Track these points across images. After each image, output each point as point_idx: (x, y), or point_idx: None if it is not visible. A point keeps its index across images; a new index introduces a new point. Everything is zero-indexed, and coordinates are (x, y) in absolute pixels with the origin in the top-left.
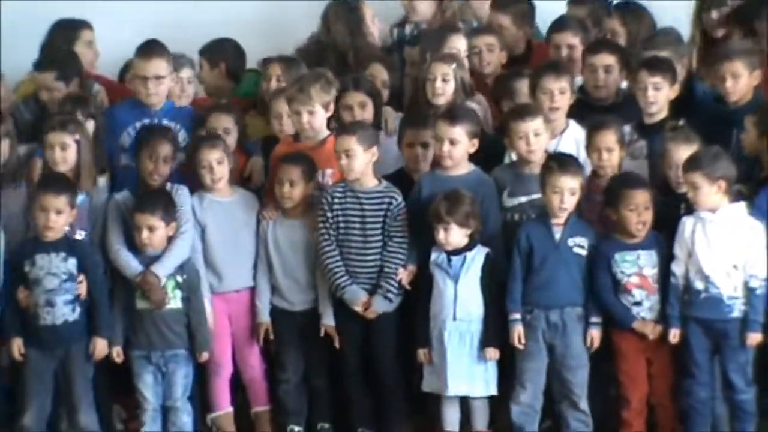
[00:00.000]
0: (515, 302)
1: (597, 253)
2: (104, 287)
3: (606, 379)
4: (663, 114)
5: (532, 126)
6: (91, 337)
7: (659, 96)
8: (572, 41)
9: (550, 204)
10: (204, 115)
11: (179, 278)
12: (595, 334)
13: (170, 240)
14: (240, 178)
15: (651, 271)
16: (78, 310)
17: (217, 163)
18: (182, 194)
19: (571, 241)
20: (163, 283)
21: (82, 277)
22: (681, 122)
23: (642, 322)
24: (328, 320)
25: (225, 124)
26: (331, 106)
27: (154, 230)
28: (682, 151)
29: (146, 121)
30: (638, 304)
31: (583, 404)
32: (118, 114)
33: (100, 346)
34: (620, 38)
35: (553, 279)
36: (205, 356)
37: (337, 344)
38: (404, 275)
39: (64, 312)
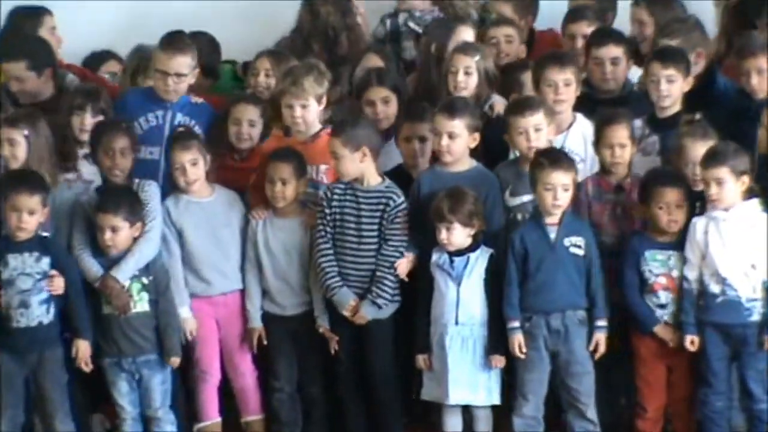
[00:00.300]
0: (513, 309)
1: (626, 250)
2: (80, 287)
3: (617, 387)
4: (676, 108)
5: (533, 121)
6: (71, 339)
7: (673, 89)
8: (588, 31)
9: (542, 202)
10: (227, 106)
11: (145, 280)
12: (601, 338)
13: (135, 240)
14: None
15: (680, 273)
16: (52, 311)
17: (191, 165)
18: (150, 190)
19: (567, 241)
20: (126, 286)
21: (54, 272)
22: (698, 116)
23: (664, 327)
24: (325, 322)
25: (250, 115)
26: (324, 99)
27: (118, 231)
28: (699, 147)
29: (159, 113)
30: (663, 306)
31: (591, 413)
32: (129, 103)
33: (83, 348)
34: (647, 28)
35: (551, 282)
36: (175, 361)
37: (332, 349)
38: (403, 265)
39: (38, 314)
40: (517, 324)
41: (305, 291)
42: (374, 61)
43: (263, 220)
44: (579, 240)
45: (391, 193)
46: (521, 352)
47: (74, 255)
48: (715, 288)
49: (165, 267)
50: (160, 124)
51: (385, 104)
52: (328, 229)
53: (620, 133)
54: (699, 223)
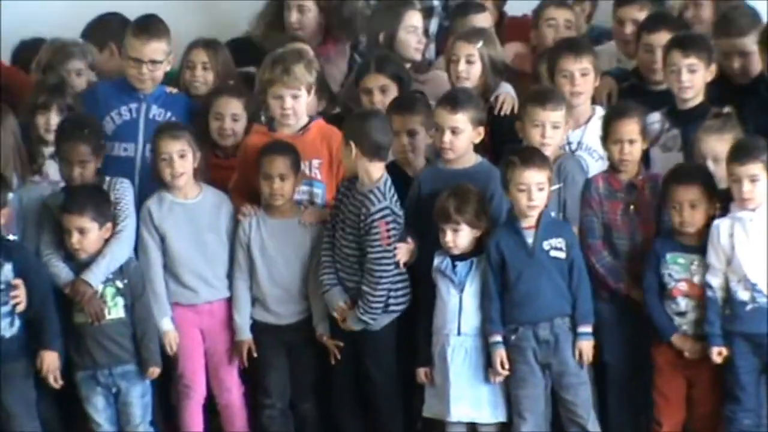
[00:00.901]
0: (494, 323)
1: (648, 251)
2: (48, 293)
3: (636, 405)
4: (699, 99)
5: (553, 116)
6: (34, 353)
7: (695, 79)
8: (638, 16)
9: (517, 204)
10: (209, 99)
11: (119, 284)
12: (584, 346)
13: (107, 242)
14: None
15: (702, 280)
16: (17, 323)
17: (179, 156)
18: (122, 188)
19: (546, 245)
20: (99, 291)
21: (18, 281)
22: (726, 109)
23: (682, 337)
24: (325, 330)
25: (234, 109)
26: (313, 89)
27: (85, 233)
28: (713, 142)
29: (133, 106)
30: (682, 314)
31: (592, 425)
32: (101, 96)
33: (49, 360)
34: (706, 9)
35: (535, 291)
36: (154, 372)
37: (332, 359)
38: (402, 253)
39: (2, 326)
40: (498, 338)
41: (304, 298)
42: None
43: (255, 219)
44: (559, 242)
45: (370, 198)
46: (503, 368)
47: (42, 259)
48: (743, 295)
49: (140, 269)
50: (135, 118)
51: (382, 93)
52: (330, 225)
53: (629, 128)
54: (723, 224)
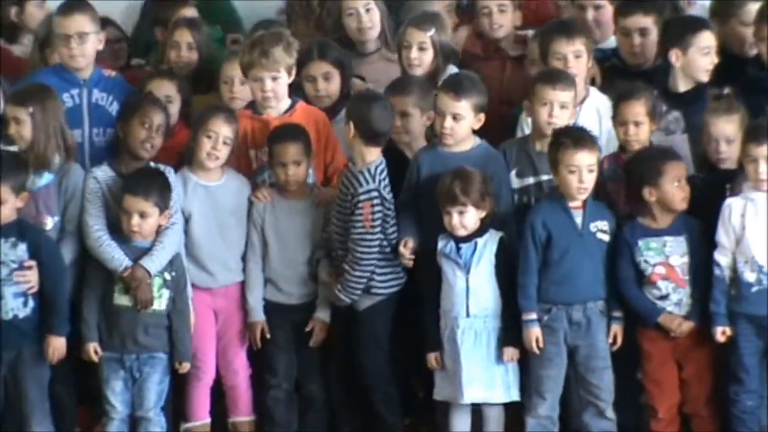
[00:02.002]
0: (530, 300)
1: (618, 241)
2: (61, 278)
3: (635, 386)
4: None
5: (562, 96)
6: (43, 336)
7: (714, 59)
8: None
9: (566, 185)
10: (143, 82)
11: (167, 275)
12: (618, 329)
13: (159, 231)
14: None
15: (679, 260)
16: (30, 304)
17: (223, 143)
18: (170, 177)
19: (593, 226)
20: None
21: (31, 263)
22: (726, 90)
23: (669, 316)
24: (323, 315)
25: (166, 91)
26: (294, 71)
27: (146, 217)
28: (722, 123)
29: (75, 92)
30: (664, 297)
31: (610, 412)
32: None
33: (57, 346)
34: None
35: (576, 271)
36: (185, 367)
37: (312, 342)
38: (405, 251)
39: (12, 306)
40: (534, 316)
41: (313, 279)
42: None
43: (270, 202)
44: (604, 224)
45: (358, 179)
46: (539, 347)
47: (90, 239)
48: (750, 276)
49: (183, 264)
50: (78, 104)
51: (326, 80)
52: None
53: (636, 110)
54: (735, 204)
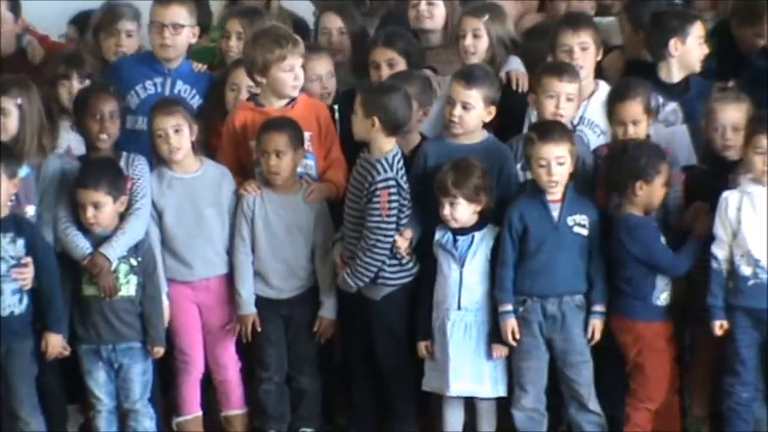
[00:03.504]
0: (506, 292)
1: (647, 230)
2: (56, 274)
3: (624, 378)
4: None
5: (567, 88)
6: (41, 332)
7: (706, 49)
8: None
9: (538, 179)
10: (226, 71)
11: (133, 261)
12: (597, 324)
13: (122, 217)
14: None
15: None
16: (25, 300)
17: (174, 132)
18: (140, 165)
19: (570, 220)
20: (114, 267)
21: (28, 260)
22: (731, 83)
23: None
24: (329, 313)
25: (250, 80)
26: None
27: (100, 207)
28: (730, 111)
29: (158, 80)
30: (668, 284)
31: (593, 404)
32: (125, 71)
33: (53, 342)
34: None
35: (552, 264)
36: (159, 351)
37: (321, 340)
38: (400, 241)
39: (10, 303)
40: (509, 308)
41: (305, 273)
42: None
43: (259, 195)
44: (583, 218)
45: (376, 167)
46: (514, 339)
47: (59, 230)
48: (746, 270)
49: (152, 249)
50: (160, 92)
51: (390, 68)
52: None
53: (633, 110)
54: (732, 197)
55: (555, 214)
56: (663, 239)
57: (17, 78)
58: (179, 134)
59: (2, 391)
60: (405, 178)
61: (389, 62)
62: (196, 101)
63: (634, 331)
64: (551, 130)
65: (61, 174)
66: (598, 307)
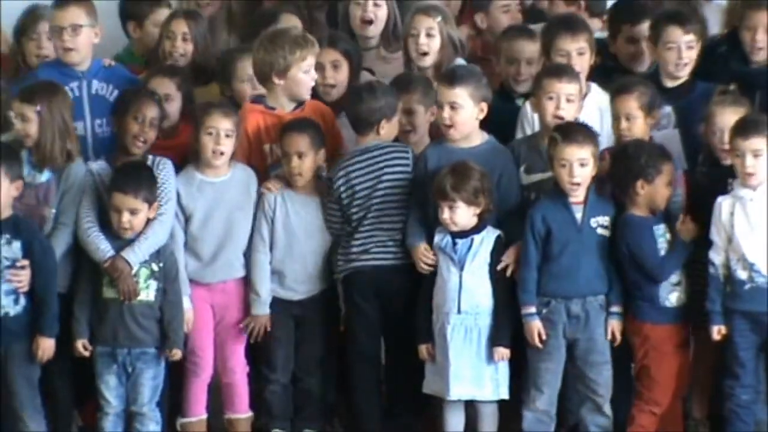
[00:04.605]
0: (530, 294)
1: (641, 230)
2: (52, 277)
3: (631, 382)
4: (687, 76)
5: (567, 89)
6: (34, 335)
7: (692, 55)
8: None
9: (560, 180)
10: (143, 79)
11: (155, 266)
12: (616, 325)
13: (148, 222)
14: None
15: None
16: (21, 302)
17: (225, 136)
18: (166, 170)
19: (593, 222)
20: (135, 271)
21: (24, 262)
22: (732, 87)
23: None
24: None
25: (166, 89)
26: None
27: (137, 213)
28: (728, 114)
29: (74, 84)
30: (677, 285)
31: (607, 408)
32: (42, 78)
33: (45, 346)
34: None
35: (576, 266)
36: (177, 353)
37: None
38: (425, 255)
39: (4, 304)
40: (533, 310)
41: (321, 274)
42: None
43: (281, 194)
44: (605, 219)
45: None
46: (540, 340)
47: (80, 231)
48: (742, 274)
49: (174, 254)
50: (78, 96)
51: (334, 69)
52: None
53: (628, 104)
54: (725, 203)
55: (578, 216)
56: (663, 241)
57: (41, 84)
58: (229, 139)
59: (2, 392)
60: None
61: (333, 63)
62: (114, 96)
63: (641, 333)
64: (575, 131)
65: (87, 174)
66: (616, 308)
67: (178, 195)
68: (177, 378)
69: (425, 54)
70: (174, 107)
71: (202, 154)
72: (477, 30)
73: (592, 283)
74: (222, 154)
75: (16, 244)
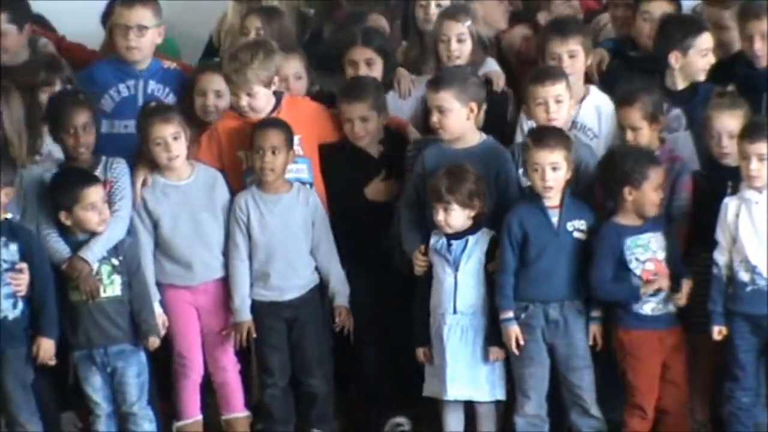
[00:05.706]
0: (507, 299)
1: (601, 243)
2: (50, 279)
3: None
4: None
5: (553, 91)
6: (33, 337)
7: (711, 59)
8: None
9: (533, 184)
10: (193, 76)
11: (115, 261)
12: (597, 329)
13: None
14: None
15: (662, 254)
16: (20, 305)
17: (173, 139)
18: (119, 168)
19: (570, 225)
20: (96, 269)
21: (23, 266)
22: (730, 88)
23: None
24: (342, 300)
25: (217, 85)
26: (276, 79)
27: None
28: (726, 118)
29: (131, 82)
30: (657, 293)
31: (594, 409)
32: (97, 74)
33: (46, 347)
34: None
35: (553, 270)
36: (153, 342)
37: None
38: (421, 258)
39: (4, 307)
40: (511, 314)
41: (307, 270)
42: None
43: (251, 197)
44: (581, 223)
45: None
46: (518, 345)
47: (41, 237)
48: (744, 276)
49: (134, 246)
50: (133, 94)
51: (368, 66)
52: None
53: (632, 116)
54: (731, 204)
55: (555, 220)
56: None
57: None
58: (178, 141)
59: None
60: None
61: (368, 61)
62: (170, 99)
63: (616, 338)
64: (547, 135)
65: (41, 181)
66: (596, 313)
67: (145, 202)
68: (170, 382)
69: (458, 58)
70: (223, 104)
71: (159, 162)
72: (535, 29)
73: (570, 286)
74: (177, 156)
75: (13, 247)
